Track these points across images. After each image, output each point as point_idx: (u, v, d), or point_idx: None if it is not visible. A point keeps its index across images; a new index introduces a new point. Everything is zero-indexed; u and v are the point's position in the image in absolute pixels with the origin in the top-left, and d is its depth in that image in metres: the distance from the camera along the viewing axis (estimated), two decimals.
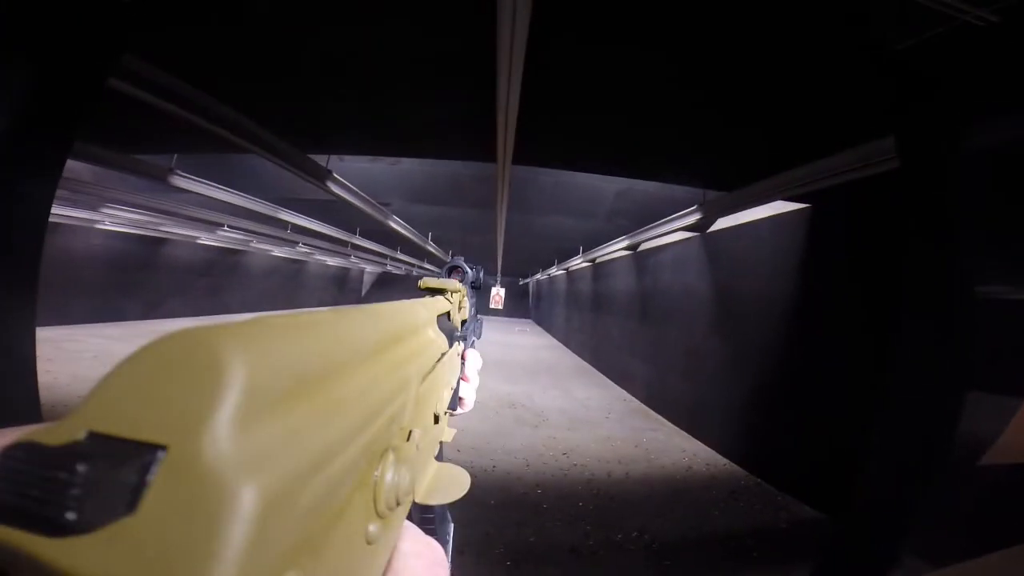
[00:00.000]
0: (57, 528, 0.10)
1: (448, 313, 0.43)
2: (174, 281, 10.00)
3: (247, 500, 0.11)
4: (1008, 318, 1.62)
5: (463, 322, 0.49)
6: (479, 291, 0.58)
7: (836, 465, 1.80)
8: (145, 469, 0.11)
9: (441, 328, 0.38)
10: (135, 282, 9.00)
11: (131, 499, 0.10)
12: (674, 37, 1.94)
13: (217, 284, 11.43)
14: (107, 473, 0.11)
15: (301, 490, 0.13)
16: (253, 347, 0.13)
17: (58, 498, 0.10)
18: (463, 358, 0.50)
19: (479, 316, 0.61)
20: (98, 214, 6.03)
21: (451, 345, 0.39)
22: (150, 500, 0.10)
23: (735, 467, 3.93)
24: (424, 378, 0.29)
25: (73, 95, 1.43)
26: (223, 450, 0.11)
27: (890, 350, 1.65)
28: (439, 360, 0.34)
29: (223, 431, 0.11)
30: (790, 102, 2.27)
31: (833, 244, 3.15)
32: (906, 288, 1.63)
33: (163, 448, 0.11)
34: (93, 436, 0.11)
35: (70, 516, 0.10)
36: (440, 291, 0.44)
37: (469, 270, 0.56)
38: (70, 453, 0.11)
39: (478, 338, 0.59)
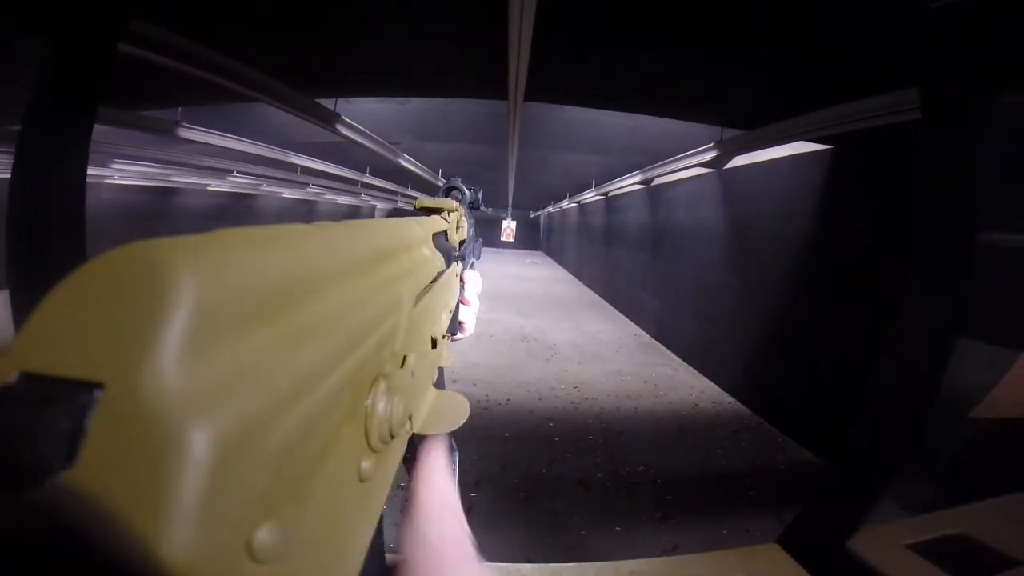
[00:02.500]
0: None
1: (445, 233, 0.40)
2: (188, 227, 10.12)
3: (199, 444, 0.09)
4: (1014, 271, 1.63)
5: (461, 243, 0.46)
6: (478, 212, 0.55)
7: (836, 411, 1.89)
8: (82, 413, 0.09)
9: (438, 247, 0.35)
10: (149, 231, 9.15)
11: (68, 450, 0.09)
12: None
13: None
14: (38, 421, 0.09)
15: (270, 428, 0.11)
16: (208, 261, 0.11)
17: None
18: (462, 280, 0.48)
19: (479, 238, 0.59)
20: (108, 170, 6.01)
21: (448, 265, 0.37)
22: (90, 450, 0.09)
23: (740, 406, 4.04)
24: (418, 298, 0.27)
25: (91, 64, 1.45)
26: (168, 385, 0.09)
27: (895, 297, 1.67)
28: (435, 280, 0.32)
29: (168, 361, 0.09)
30: (818, 42, 2.14)
31: (852, 188, 3.07)
32: (914, 237, 1.63)
33: (100, 386, 0.09)
34: (27, 377, 0.10)
35: None
36: (436, 211, 0.41)
37: (467, 191, 0.53)
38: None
39: (477, 259, 0.57)
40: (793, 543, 1.23)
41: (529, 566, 1.50)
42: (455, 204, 0.44)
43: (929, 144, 1.53)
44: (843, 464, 1.55)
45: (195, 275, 0.10)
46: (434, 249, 0.34)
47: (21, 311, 1.51)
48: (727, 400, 4.20)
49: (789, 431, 3.43)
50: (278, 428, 0.12)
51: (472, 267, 0.54)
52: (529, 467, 2.88)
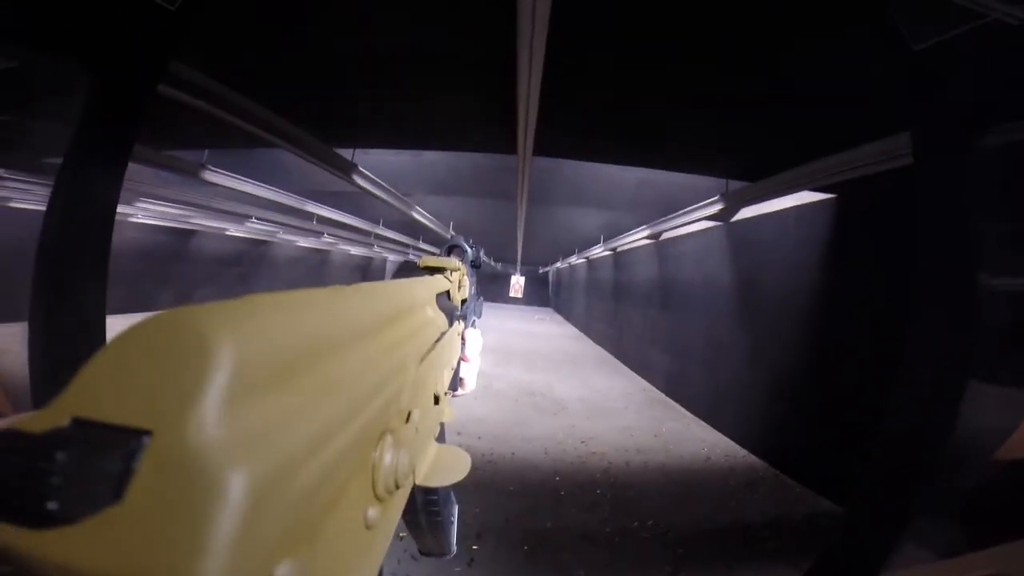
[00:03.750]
0: (39, 519, 0.10)
1: (448, 292, 0.42)
2: (204, 271, 10.32)
3: (235, 487, 0.10)
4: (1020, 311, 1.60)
5: (463, 301, 0.48)
6: (482, 272, 0.57)
7: (853, 458, 1.82)
8: (130, 456, 0.10)
9: (440, 307, 0.37)
10: (167, 273, 9.32)
11: (116, 488, 0.10)
12: (696, 31, 1.93)
13: (245, 274, 11.77)
14: (91, 461, 0.10)
15: (294, 475, 0.12)
16: (241, 327, 0.12)
17: (39, 488, 0.10)
18: (463, 338, 0.50)
19: (480, 296, 0.60)
20: (132, 208, 6.24)
21: (451, 324, 0.39)
22: (136, 489, 0.10)
23: (754, 459, 3.91)
24: (423, 358, 0.28)
25: (131, 102, 1.54)
26: (209, 435, 0.10)
27: (904, 341, 1.65)
28: (438, 340, 0.34)
29: (210, 415, 0.11)
30: (814, 94, 2.23)
31: (857, 235, 3.10)
32: (917, 281, 1.63)
33: (148, 433, 0.10)
34: (77, 422, 0.11)
35: (52, 506, 0.10)
36: (439, 270, 0.44)
37: (469, 249, 0.55)
38: (53, 441, 0.10)
39: (478, 317, 0.58)
40: None
41: None
42: (458, 264, 0.46)
43: (925, 186, 1.56)
44: (859, 510, 1.48)
45: (232, 339, 0.12)
46: (437, 310, 0.36)
47: (37, 344, 1.53)
48: (740, 453, 4.06)
49: (806, 481, 3.29)
50: (300, 476, 0.13)
51: (473, 325, 0.56)
52: (533, 521, 2.75)
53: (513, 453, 3.79)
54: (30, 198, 5.09)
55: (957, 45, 1.25)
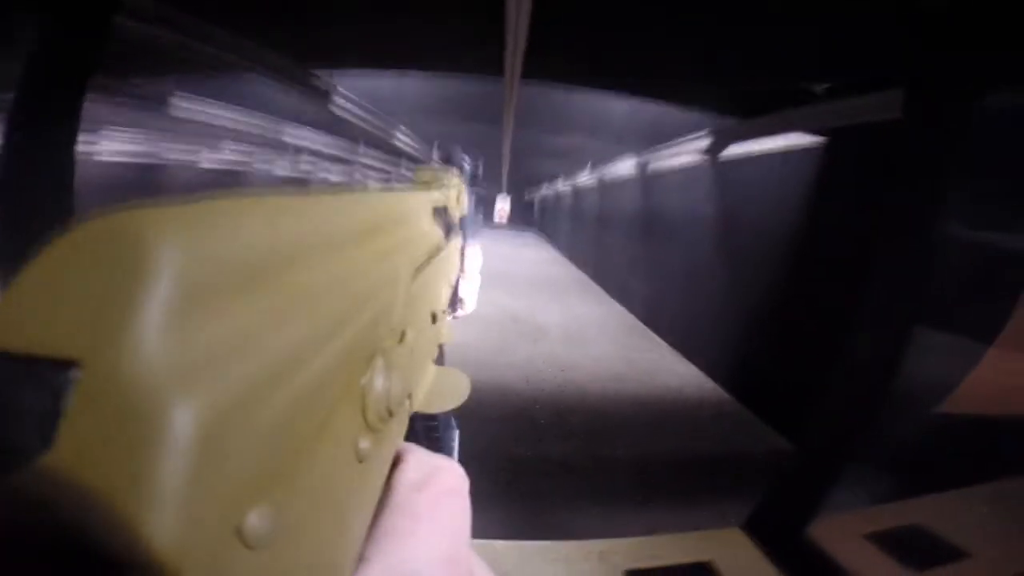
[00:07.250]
0: None
1: (445, 207, 0.39)
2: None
3: (184, 423, 0.09)
4: (980, 266, 1.68)
5: (461, 217, 0.45)
6: (479, 189, 0.54)
7: (812, 400, 1.95)
8: (58, 393, 0.08)
9: (437, 221, 0.35)
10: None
11: (45, 432, 0.08)
12: None
13: None
14: (12, 401, 0.09)
15: (260, 405, 0.11)
16: (192, 229, 0.10)
17: None
18: (462, 254, 0.47)
19: (481, 210, 0.58)
20: (96, 146, 5.84)
21: (448, 239, 0.37)
22: (67, 431, 0.08)
23: (722, 392, 4.10)
24: (417, 272, 0.26)
25: (83, 37, 1.44)
26: (150, 361, 0.09)
27: (863, 291, 1.71)
28: (435, 253, 0.31)
29: (150, 336, 0.09)
30: (815, 36, 2.15)
31: (841, 181, 3.10)
32: (883, 231, 1.67)
33: (76, 365, 0.09)
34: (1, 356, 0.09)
35: None
36: (436, 182, 0.40)
37: (467, 163, 0.51)
38: None
39: (478, 227, 0.56)
40: (756, 527, 1.29)
41: (502, 543, 1.55)
42: (455, 177, 0.42)
43: (907, 140, 1.56)
44: (802, 452, 1.61)
45: (178, 243, 0.10)
46: (433, 222, 0.33)
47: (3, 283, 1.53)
48: (710, 386, 4.26)
49: (767, 418, 3.49)
50: (268, 405, 0.11)
51: (472, 242, 0.53)
52: (514, 448, 2.92)
53: (494, 380, 3.90)
54: None
55: (964, 11, 1.21)
